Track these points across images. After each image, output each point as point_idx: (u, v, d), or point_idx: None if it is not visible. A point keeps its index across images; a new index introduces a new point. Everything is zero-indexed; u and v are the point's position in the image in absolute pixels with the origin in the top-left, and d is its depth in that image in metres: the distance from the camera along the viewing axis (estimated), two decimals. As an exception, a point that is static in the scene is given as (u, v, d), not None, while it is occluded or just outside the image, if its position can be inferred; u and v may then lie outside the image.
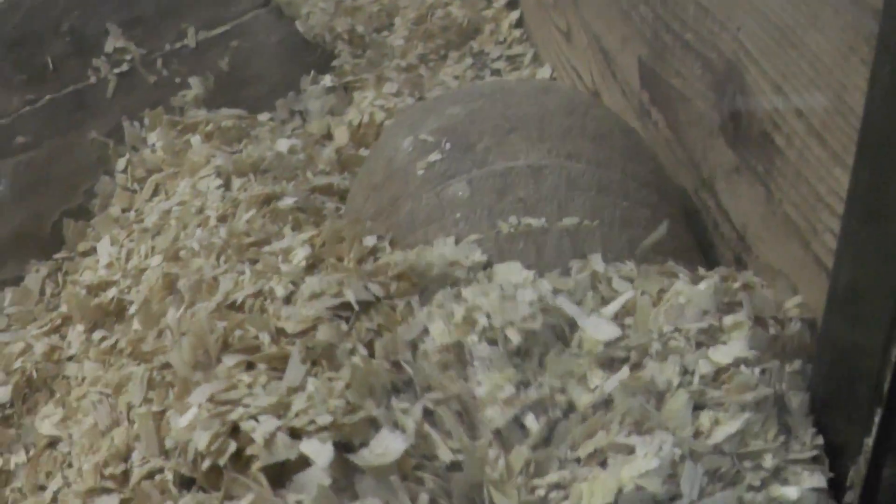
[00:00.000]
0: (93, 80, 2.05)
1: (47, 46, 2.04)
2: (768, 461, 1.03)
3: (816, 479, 1.02)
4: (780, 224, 1.23)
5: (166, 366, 1.30)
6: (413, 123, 1.55)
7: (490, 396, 1.11)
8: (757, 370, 1.09)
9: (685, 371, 1.10)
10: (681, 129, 1.55)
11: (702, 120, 1.45)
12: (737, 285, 1.21)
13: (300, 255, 1.37)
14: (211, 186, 1.76)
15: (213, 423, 1.09)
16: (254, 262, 1.40)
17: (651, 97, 1.68)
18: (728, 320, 1.15)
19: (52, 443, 1.43)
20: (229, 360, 1.20)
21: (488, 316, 1.17)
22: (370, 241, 1.37)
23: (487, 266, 1.28)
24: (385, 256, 1.34)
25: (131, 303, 1.56)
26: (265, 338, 1.22)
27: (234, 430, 1.10)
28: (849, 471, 1.00)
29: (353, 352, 1.18)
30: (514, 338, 1.15)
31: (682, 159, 1.55)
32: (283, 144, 1.91)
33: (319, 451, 1.04)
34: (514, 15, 2.57)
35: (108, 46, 2.08)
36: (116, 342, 1.52)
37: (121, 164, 1.98)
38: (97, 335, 1.58)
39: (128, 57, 2.08)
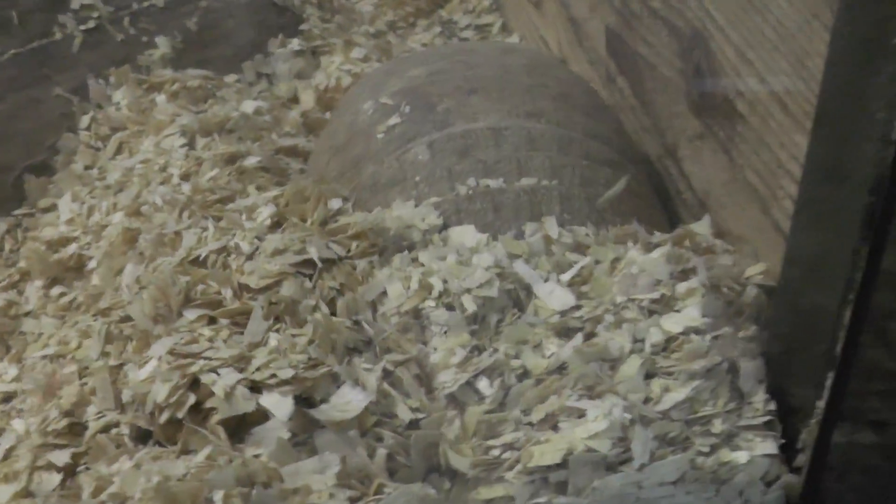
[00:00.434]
0: (58, 36, 2.02)
1: (13, 0, 2.02)
2: (718, 427, 1.04)
3: (768, 445, 1.03)
4: (742, 190, 1.24)
5: (125, 320, 1.30)
6: (375, 85, 1.55)
7: (443, 362, 1.12)
8: (709, 337, 1.09)
9: (636, 340, 1.11)
10: (646, 97, 1.56)
11: (667, 87, 1.46)
12: (689, 254, 1.21)
13: (264, 214, 1.36)
14: (175, 145, 1.75)
15: (173, 375, 1.09)
16: (217, 218, 1.39)
17: (617, 65, 1.68)
18: (682, 287, 1.16)
19: (7, 398, 1.42)
20: (191, 314, 1.20)
21: (444, 281, 1.18)
22: (335, 203, 1.37)
23: (443, 229, 1.29)
24: (346, 217, 1.34)
25: (91, 258, 1.56)
26: (227, 293, 1.22)
27: (194, 384, 1.10)
28: (800, 434, 1.01)
29: (315, 308, 1.19)
30: (470, 305, 1.15)
31: (646, 126, 1.56)
32: (248, 106, 1.90)
33: (279, 404, 1.05)
34: (484, -16, 2.56)
35: (75, 3, 2.06)
36: (75, 298, 1.51)
37: (85, 121, 1.96)
38: (56, 291, 1.58)
39: (95, 14, 2.06)
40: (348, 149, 1.48)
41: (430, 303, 1.17)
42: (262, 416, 1.06)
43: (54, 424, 1.22)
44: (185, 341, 1.14)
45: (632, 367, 1.08)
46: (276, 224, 1.35)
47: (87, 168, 1.88)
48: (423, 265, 1.22)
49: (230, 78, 2.10)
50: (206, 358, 1.11)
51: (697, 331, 1.10)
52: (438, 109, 1.43)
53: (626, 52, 1.62)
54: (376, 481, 1.01)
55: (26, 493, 1.17)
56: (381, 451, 1.03)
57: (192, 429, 1.07)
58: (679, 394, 1.05)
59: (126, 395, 1.16)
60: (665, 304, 1.14)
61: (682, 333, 1.10)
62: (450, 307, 1.17)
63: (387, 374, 1.12)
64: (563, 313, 1.15)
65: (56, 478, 1.17)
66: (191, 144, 1.76)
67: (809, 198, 0.95)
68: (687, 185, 1.42)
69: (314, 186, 1.39)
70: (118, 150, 1.87)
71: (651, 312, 1.14)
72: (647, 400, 1.06)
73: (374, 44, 2.25)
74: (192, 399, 1.09)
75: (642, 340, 1.11)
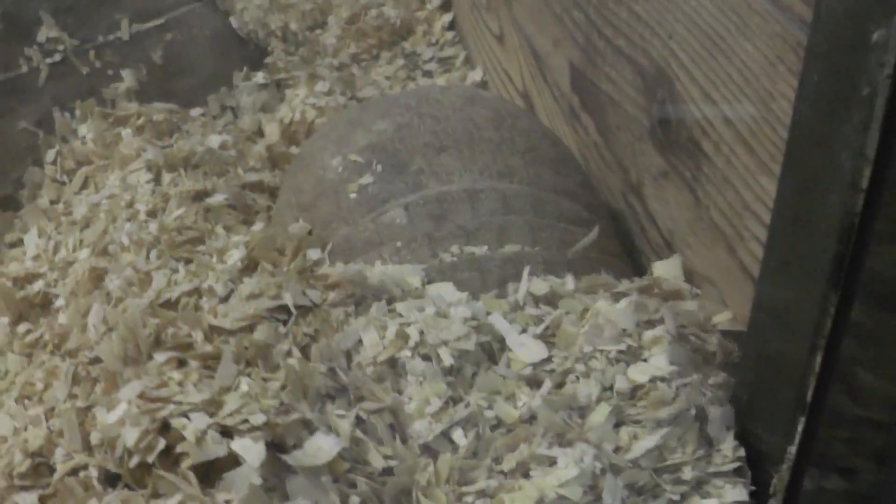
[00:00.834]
0: (24, 68, 2.02)
1: (-23, 33, 2.02)
2: (688, 474, 1.05)
3: (738, 492, 1.04)
4: (707, 230, 1.25)
5: (93, 361, 1.29)
6: (340, 138, 1.54)
7: (419, 411, 1.13)
8: (675, 385, 1.10)
9: (605, 388, 1.13)
10: (610, 134, 1.57)
11: (631, 125, 1.47)
12: (656, 302, 1.23)
13: (235, 257, 1.37)
14: (141, 180, 1.75)
15: (143, 419, 1.09)
16: (188, 261, 1.39)
17: (581, 101, 1.70)
18: (648, 336, 1.17)
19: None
20: (160, 357, 1.20)
21: (422, 332, 1.19)
22: (314, 254, 1.38)
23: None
24: (325, 268, 1.34)
25: (57, 296, 1.55)
26: (198, 335, 1.22)
27: (164, 428, 1.10)
28: (772, 479, 1.02)
29: (288, 354, 1.19)
30: (447, 358, 1.16)
31: (610, 164, 1.57)
32: (214, 140, 1.90)
33: (251, 449, 1.05)
34: (447, 17, 2.58)
35: (41, 35, 2.05)
36: (41, 335, 1.50)
37: (50, 154, 1.96)
38: (22, 328, 1.57)
39: (60, 47, 2.06)
40: (317, 207, 1.47)
41: (407, 352, 1.18)
42: (234, 461, 1.06)
43: (19, 467, 1.21)
44: (156, 385, 1.14)
45: (601, 415, 1.09)
46: (248, 267, 1.35)
47: (52, 203, 1.87)
48: (400, 315, 1.23)
49: (195, 111, 2.10)
50: (176, 402, 1.10)
51: (663, 379, 1.11)
52: (411, 170, 1.43)
53: (590, 88, 1.63)
54: (350, 528, 1.01)
55: (-8, 535, 1.17)
56: (355, 499, 1.03)
57: (161, 474, 1.07)
58: (648, 441, 1.06)
59: (95, 438, 1.15)
60: (632, 354, 1.15)
61: (649, 382, 1.11)
62: (426, 358, 1.17)
63: (360, 422, 1.12)
64: (534, 365, 1.16)
65: (23, 520, 1.16)
66: (157, 179, 1.76)
67: (777, 244, 0.96)
68: (652, 223, 1.43)
69: (291, 236, 1.40)
70: (84, 185, 1.87)
71: (618, 361, 1.15)
72: (616, 448, 1.06)
73: (337, 76, 2.26)
74: (162, 443, 1.08)
75: (610, 388, 1.12)
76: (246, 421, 1.07)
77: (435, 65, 2.43)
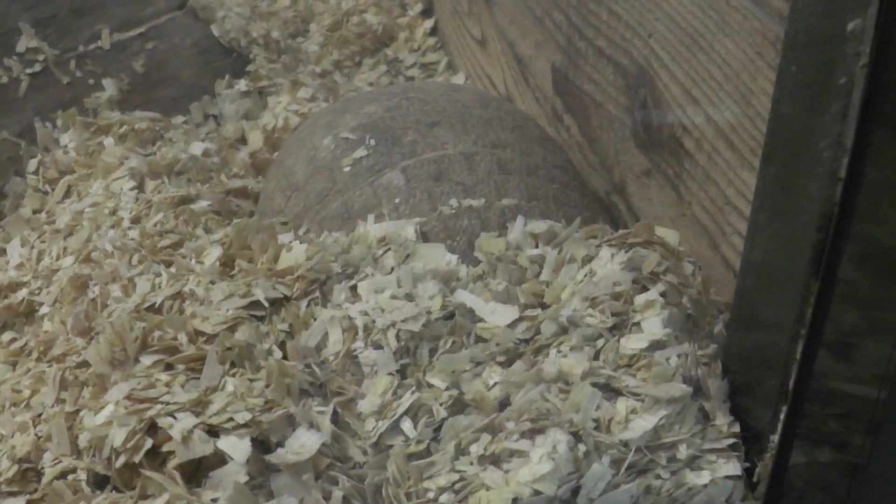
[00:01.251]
0: (4, 79, 2.02)
1: (-42, 44, 2.02)
2: (683, 452, 1.03)
3: (732, 467, 1.02)
4: (690, 226, 1.26)
5: (80, 366, 1.30)
6: (328, 123, 1.55)
7: (370, 405, 1.12)
8: (674, 356, 1.08)
9: (595, 356, 1.10)
10: (593, 134, 1.57)
11: (613, 124, 1.48)
12: (655, 255, 1.19)
13: (213, 256, 1.37)
14: (124, 188, 1.75)
15: (130, 420, 1.09)
16: (168, 264, 1.40)
17: (564, 103, 1.70)
18: (640, 299, 1.14)
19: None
20: (147, 360, 1.20)
21: (370, 318, 1.18)
22: (285, 238, 1.38)
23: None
24: (287, 256, 1.34)
25: (41, 304, 1.55)
26: (183, 338, 1.22)
27: (151, 429, 1.10)
28: (764, 453, 1.02)
29: (269, 353, 1.19)
30: (393, 342, 1.16)
31: (594, 164, 1.58)
32: (197, 147, 1.90)
33: (237, 447, 1.05)
34: (429, 23, 2.59)
35: (21, 46, 2.06)
36: (26, 343, 1.50)
37: (32, 164, 1.96)
38: (6, 336, 1.57)
39: (41, 57, 2.06)
40: (310, 185, 1.48)
41: (360, 343, 1.18)
42: (220, 460, 1.06)
43: (6, 473, 1.21)
44: (143, 386, 1.14)
45: (584, 392, 1.06)
46: (225, 265, 1.36)
47: (35, 212, 1.87)
48: (360, 297, 1.23)
49: (178, 119, 2.11)
50: (163, 402, 1.11)
51: (661, 345, 1.09)
52: (405, 141, 1.44)
53: (573, 90, 1.64)
54: (335, 524, 1.02)
55: (-19, 542, 1.17)
56: (338, 494, 1.03)
57: (148, 475, 1.07)
58: (646, 423, 1.03)
59: (83, 440, 1.15)
60: (624, 317, 1.12)
61: (646, 350, 1.09)
62: (377, 345, 1.17)
63: (335, 417, 1.12)
64: (513, 338, 1.14)
65: (12, 525, 1.16)
66: (140, 187, 1.76)
67: (758, 233, 0.96)
68: (635, 220, 1.43)
69: (257, 225, 1.40)
70: (67, 194, 1.87)
71: (612, 328, 1.12)
72: (608, 423, 1.04)
73: (320, 83, 2.27)
74: (149, 443, 1.08)
75: (600, 357, 1.10)
76: (231, 419, 1.07)
77: (417, 70, 2.44)
